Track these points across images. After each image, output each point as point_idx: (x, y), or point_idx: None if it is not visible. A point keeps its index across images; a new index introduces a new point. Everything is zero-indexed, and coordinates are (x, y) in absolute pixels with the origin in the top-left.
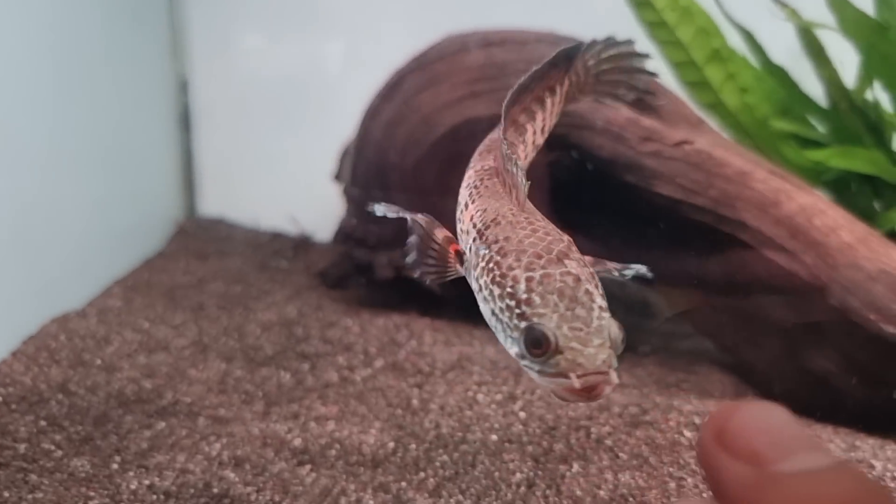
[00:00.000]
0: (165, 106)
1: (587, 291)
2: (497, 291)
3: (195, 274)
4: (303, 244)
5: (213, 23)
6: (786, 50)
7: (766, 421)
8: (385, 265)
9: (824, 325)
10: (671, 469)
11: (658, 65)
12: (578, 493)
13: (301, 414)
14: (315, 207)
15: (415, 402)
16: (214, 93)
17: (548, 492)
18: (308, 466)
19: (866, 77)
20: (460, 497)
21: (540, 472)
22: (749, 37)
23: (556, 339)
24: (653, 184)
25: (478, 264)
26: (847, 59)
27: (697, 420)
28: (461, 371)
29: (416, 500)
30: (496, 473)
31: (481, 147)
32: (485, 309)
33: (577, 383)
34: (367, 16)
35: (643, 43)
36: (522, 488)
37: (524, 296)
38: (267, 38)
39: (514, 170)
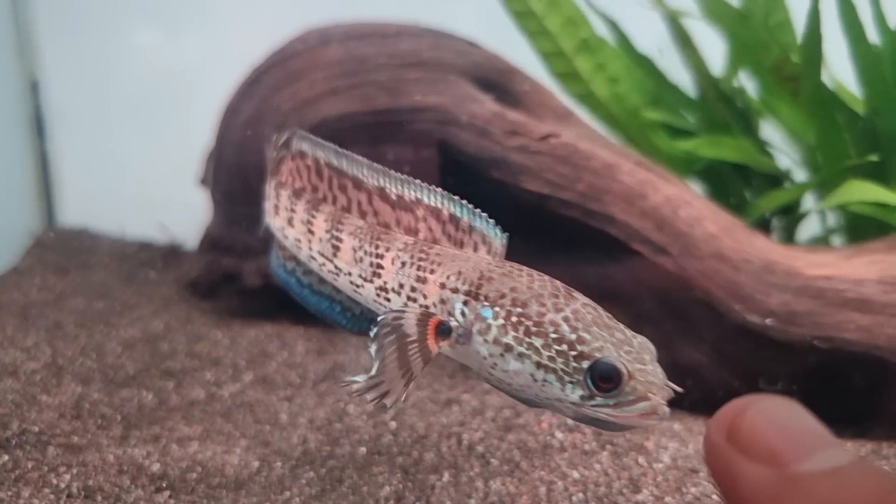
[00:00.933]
0: (14, 108)
1: (608, 316)
2: (539, 342)
3: (53, 290)
4: (173, 253)
5: (65, 20)
6: (656, 40)
7: (780, 417)
8: (254, 273)
9: (693, 317)
10: (542, 473)
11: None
12: (448, 503)
13: (162, 436)
14: (186, 214)
15: (283, 416)
16: (69, 94)
17: None
18: (167, 493)
19: (732, 65)
20: None
21: (409, 485)
22: (614, 27)
23: (626, 366)
24: (520, 179)
25: (488, 327)
26: (714, 48)
27: (570, 421)
28: (333, 382)
29: None
30: (364, 488)
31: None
32: (516, 367)
33: (659, 402)
34: (233, 12)
35: (513, 33)
36: (391, 503)
37: (573, 336)
38: (126, 36)
39: (483, 225)
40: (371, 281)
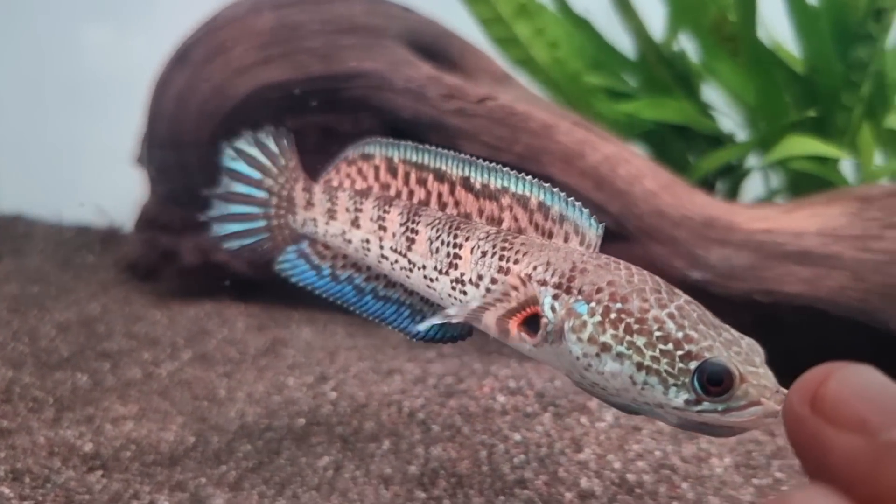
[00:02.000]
0: None
1: (712, 315)
2: (642, 340)
3: None
4: (112, 237)
5: None
6: (595, 4)
7: (865, 385)
8: (192, 250)
9: None
10: (483, 437)
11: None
12: (388, 471)
13: (96, 417)
14: (125, 196)
15: (221, 392)
16: (2, 81)
17: (356, 473)
18: (99, 472)
19: (672, 27)
20: (263, 488)
21: (348, 453)
22: None
23: (738, 368)
24: (458, 143)
25: (583, 324)
26: (654, 11)
27: (513, 384)
28: (274, 356)
29: (215, 495)
30: (302, 459)
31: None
32: (614, 369)
33: (773, 406)
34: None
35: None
36: (330, 472)
37: (679, 334)
38: (59, 18)
39: (576, 214)
40: (447, 273)
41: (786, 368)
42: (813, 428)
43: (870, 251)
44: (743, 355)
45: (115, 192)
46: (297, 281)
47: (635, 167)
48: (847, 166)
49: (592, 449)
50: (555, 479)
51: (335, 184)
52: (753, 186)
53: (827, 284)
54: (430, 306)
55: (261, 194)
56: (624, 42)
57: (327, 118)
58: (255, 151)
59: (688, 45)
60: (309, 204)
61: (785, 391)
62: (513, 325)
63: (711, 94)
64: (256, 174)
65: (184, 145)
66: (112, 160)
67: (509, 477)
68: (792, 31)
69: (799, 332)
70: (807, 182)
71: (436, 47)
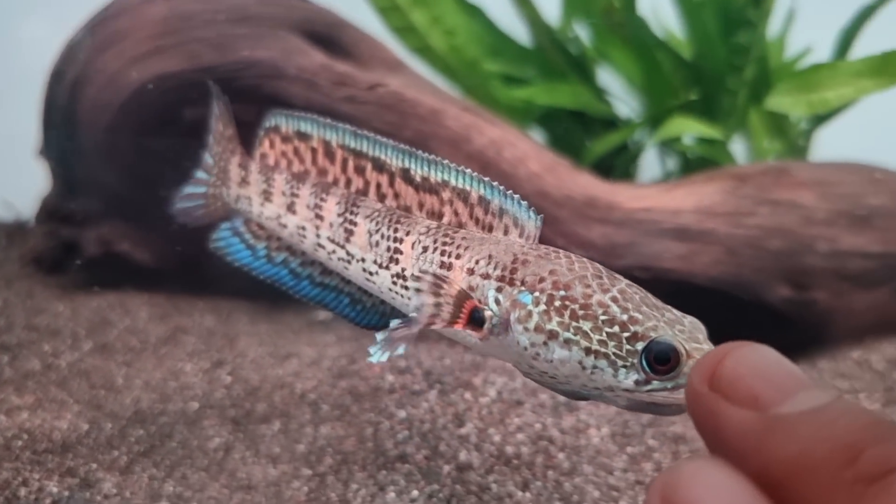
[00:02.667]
0: None
1: (653, 296)
2: (588, 325)
3: None
4: (19, 231)
5: None
6: None
7: (760, 362)
8: (93, 241)
9: None
10: (371, 415)
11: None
12: (277, 450)
13: None
14: (32, 189)
15: (119, 381)
16: None
17: (246, 453)
18: None
19: (566, 15)
20: (153, 471)
21: (240, 435)
22: None
23: (683, 345)
24: None
25: (528, 314)
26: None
27: (403, 363)
28: (174, 344)
29: (105, 479)
30: (193, 442)
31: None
32: (562, 356)
33: None
34: None
35: None
36: (220, 453)
37: (624, 316)
38: None
39: (515, 208)
40: (387, 267)
41: None
42: (710, 404)
43: (743, 227)
44: (687, 333)
45: (22, 185)
46: (232, 260)
47: (520, 150)
48: (740, 148)
49: (474, 423)
50: (435, 453)
51: (271, 162)
52: (651, 170)
53: (702, 259)
54: (370, 296)
55: (208, 159)
56: (522, 29)
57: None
58: (214, 113)
59: (583, 33)
60: (244, 181)
61: None
62: (459, 328)
63: (610, 79)
64: (211, 137)
65: (79, 136)
66: (17, 152)
67: (392, 452)
68: (678, 18)
69: (675, 305)
70: (699, 164)
71: (330, 36)
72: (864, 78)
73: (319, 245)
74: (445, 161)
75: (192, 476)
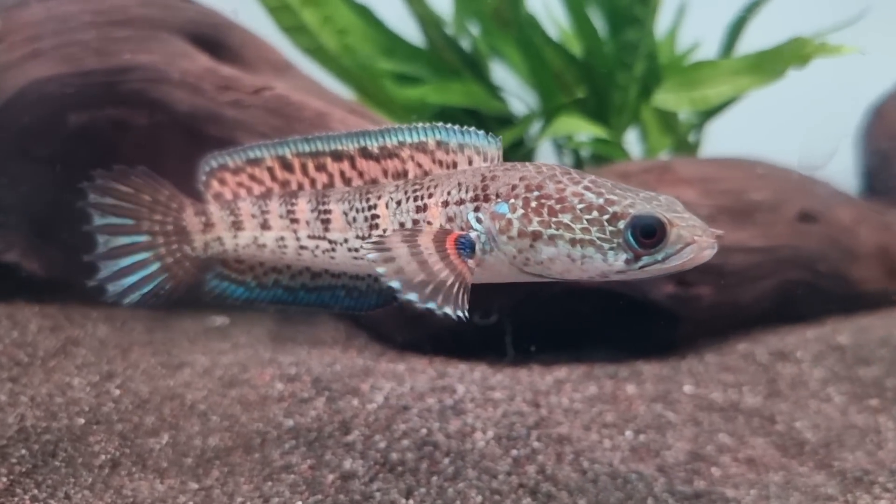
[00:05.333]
0: None
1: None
2: (568, 217)
3: None
4: None
5: None
6: None
7: None
8: None
9: None
10: (259, 425)
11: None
12: (164, 464)
13: None
14: None
15: (3, 398)
16: None
17: (133, 469)
18: None
19: (458, 13)
20: (35, 492)
21: (126, 450)
22: None
23: (665, 216)
24: (236, 135)
25: (509, 223)
26: None
27: (293, 370)
28: (64, 357)
29: None
30: (79, 459)
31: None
32: (551, 253)
33: (709, 240)
34: None
35: None
36: (106, 470)
37: (600, 200)
38: None
39: (473, 139)
40: (369, 235)
41: (560, 340)
42: None
43: None
44: (665, 206)
45: None
46: (233, 300)
47: None
48: (635, 144)
49: (360, 430)
50: (320, 462)
51: (229, 197)
52: None
53: None
54: (362, 279)
55: (143, 238)
56: (415, 28)
57: (119, 112)
58: (112, 200)
59: (476, 30)
60: (207, 226)
61: (715, 230)
62: (450, 244)
63: (506, 76)
64: (129, 221)
65: None
66: None
67: (277, 463)
68: (566, 16)
69: (556, 303)
70: (593, 160)
71: (216, 38)
72: (741, 76)
73: (301, 248)
74: (397, 125)
75: (76, 495)
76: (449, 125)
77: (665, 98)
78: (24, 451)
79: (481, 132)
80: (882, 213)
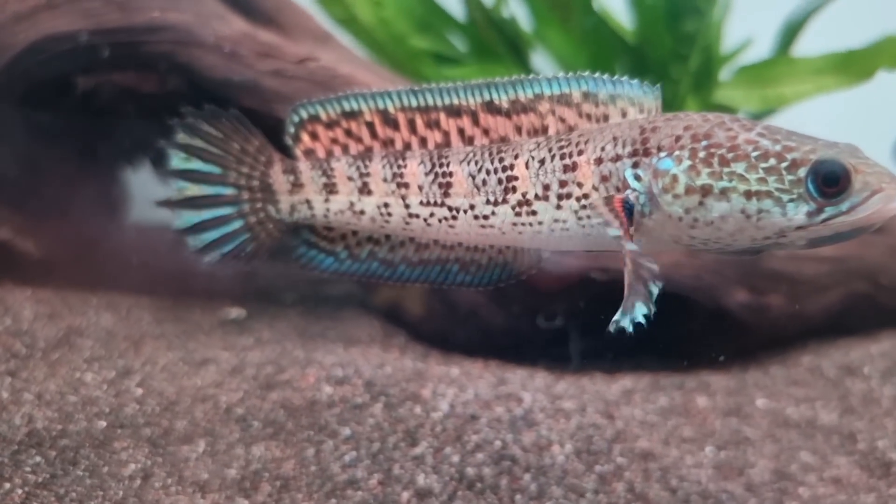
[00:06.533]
0: None
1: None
2: (742, 166)
3: None
4: None
5: None
6: None
7: None
8: None
9: None
10: (310, 433)
11: None
12: (204, 476)
13: None
14: None
15: (3, 394)
16: None
17: (168, 481)
18: None
19: None
20: None
21: (159, 459)
22: None
23: (849, 161)
24: (274, 108)
25: (674, 178)
26: None
27: (339, 372)
28: (69, 349)
29: None
30: (104, 469)
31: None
32: (723, 210)
33: None
34: None
35: None
36: (137, 481)
37: (777, 147)
38: None
39: (627, 89)
40: (505, 200)
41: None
42: None
43: None
44: (847, 152)
45: None
46: (322, 272)
47: None
48: None
49: (428, 441)
50: (389, 477)
51: (322, 154)
52: None
53: (660, 261)
54: (482, 251)
55: (228, 191)
56: (453, 3)
57: (126, 77)
58: (201, 143)
59: (518, 11)
60: (296, 186)
61: None
62: (618, 206)
63: (542, 61)
64: (216, 169)
65: None
66: None
67: (340, 477)
68: (624, 2)
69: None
70: None
71: (249, 0)
72: (825, 75)
73: (411, 215)
74: (531, 76)
75: None
76: (598, 74)
77: (731, 94)
78: (38, 459)
79: (635, 81)
80: None
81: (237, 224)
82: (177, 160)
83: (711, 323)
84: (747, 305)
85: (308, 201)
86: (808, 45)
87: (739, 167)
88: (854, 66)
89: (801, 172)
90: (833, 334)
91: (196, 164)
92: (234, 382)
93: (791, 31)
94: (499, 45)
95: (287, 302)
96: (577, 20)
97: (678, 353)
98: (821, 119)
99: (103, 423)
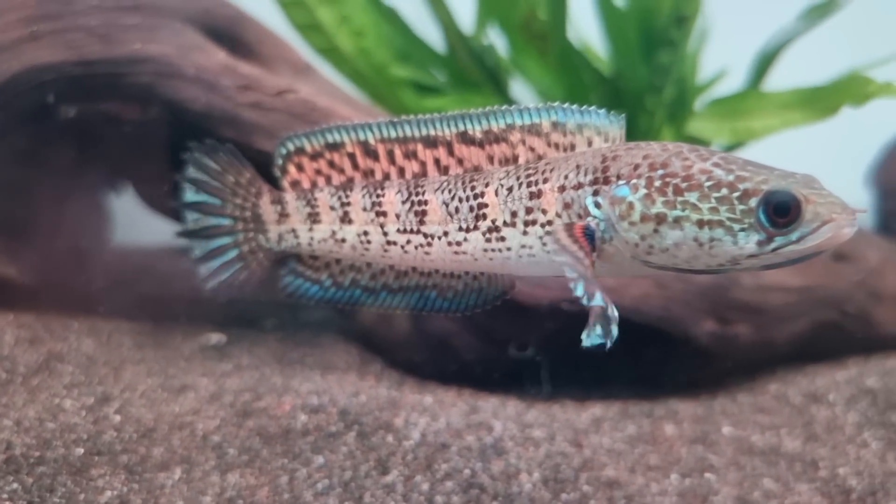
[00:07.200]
0: None
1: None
2: (694, 196)
3: None
4: None
5: None
6: None
7: None
8: None
9: None
10: (284, 461)
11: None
12: (179, 503)
13: None
14: None
15: None
16: None
17: None
18: None
19: (481, 21)
20: None
21: (135, 486)
22: None
23: (800, 192)
24: (253, 139)
25: (630, 206)
26: (464, 4)
27: (315, 401)
28: (49, 374)
29: None
30: (81, 496)
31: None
32: (676, 238)
33: (849, 218)
34: None
35: None
36: None
37: (730, 177)
38: None
39: (593, 119)
40: (476, 227)
41: (591, 375)
42: None
43: None
44: (801, 182)
45: None
46: (308, 300)
47: None
48: None
49: (399, 470)
50: None
51: (306, 186)
52: None
53: (631, 293)
54: (458, 277)
55: (226, 221)
56: (433, 34)
57: (109, 106)
58: (205, 177)
59: (498, 41)
60: (283, 216)
61: (861, 210)
62: (578, 233)
63: (521, 91)
64: (217, 201)
65: None
66: None
67: None
68: (600, 33)
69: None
70: None
71: (231, 32)
72: (792, 110)
73: (389, 243)
74: (503, 107)
75: None
76: (566, 105)
77: (702, 126)
78: (16, 485)
79: (602, 111)
80: None
81: (233, 253)
82: (189, 193)
83: (680, 352)
84: (715, 335)
85: (294, 230)
86: (785, 75)
87: (692, 196)
88: (820, 102)
89: (753, 202)
90: (800, 361)
91: (203, 197)
92: (211, 409)
93: (764, 63)
94: (478, 75)
95: (267, 327)
96: (555, 52)
97: (648, 381)
98: (799, 147)
99: (81, 450)
